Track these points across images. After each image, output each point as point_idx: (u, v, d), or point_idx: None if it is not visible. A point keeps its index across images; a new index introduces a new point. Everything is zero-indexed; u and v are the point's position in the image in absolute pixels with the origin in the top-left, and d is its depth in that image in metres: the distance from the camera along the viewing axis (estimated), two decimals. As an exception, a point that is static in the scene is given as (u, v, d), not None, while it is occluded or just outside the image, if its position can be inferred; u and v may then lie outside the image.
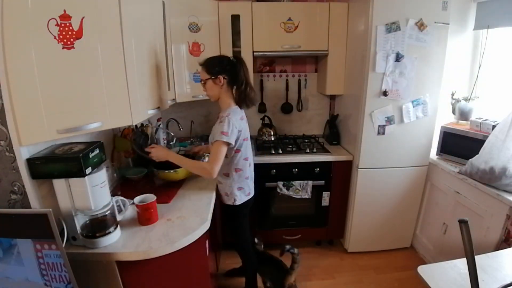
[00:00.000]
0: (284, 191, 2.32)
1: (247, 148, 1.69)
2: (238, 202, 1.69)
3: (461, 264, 1.13)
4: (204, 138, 2.67)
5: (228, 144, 1.51)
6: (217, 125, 1.54)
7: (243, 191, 1.71)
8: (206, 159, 2.12)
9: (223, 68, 1.56)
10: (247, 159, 1.70)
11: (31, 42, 0.97)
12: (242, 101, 1.62)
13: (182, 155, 1.74)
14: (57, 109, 1.07)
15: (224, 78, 1.56)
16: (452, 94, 2.26)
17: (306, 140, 2.66)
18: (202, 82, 1.60)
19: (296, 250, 1.83)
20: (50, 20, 1.01)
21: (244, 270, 2.00)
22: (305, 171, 2.29)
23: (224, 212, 1.81)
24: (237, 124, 1.54)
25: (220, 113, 1.61)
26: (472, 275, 0.84)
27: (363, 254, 2.45)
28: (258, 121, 2.73)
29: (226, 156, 1.60)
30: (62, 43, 1.05)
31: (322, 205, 2.41)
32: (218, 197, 1.79)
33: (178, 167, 1.67)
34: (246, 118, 1.71)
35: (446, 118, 2.27)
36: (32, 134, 1.04)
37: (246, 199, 1.73)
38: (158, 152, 1.60)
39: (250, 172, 1.75)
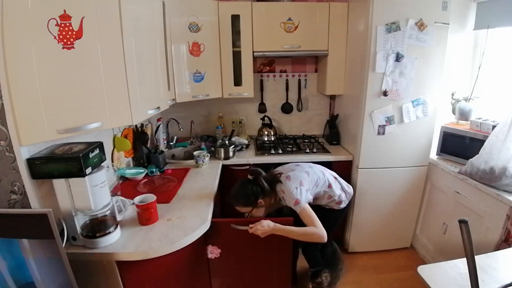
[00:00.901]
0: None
1: (319, 180, 1.75)
2: (349, 199, 1.89)
3: (461, 264, 1.13)
4: (204, 138, 2.68)
5: (306, 203, 1.56)
6: (287, 200, 1.59)
7: (345, 188, 1.88)
8: (206, 159, 2.13)
9: (255, 193, 1.58)
10: (331, 186, 1.79)
11: (31, 42, 0.98)
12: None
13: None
14: (57, 109, 1.07)
15: (262, 199, 1.60)
16: (452, 94, 2.25)
17: (306, 140, 2.66)
18: (247, 215, 1.62)
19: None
20: (50, 20, 1.01)
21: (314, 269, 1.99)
22: (305, 171, 2.29)
23: (329, 218, 1.81)
24: (305, 184, 1.63)
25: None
26: (472, 275, 0.84)
27: (363, 254, 2.45)
28: (258, 121, 2.73)
29: (317, 198, 1.76)
30: (62, 43, 1.05)
31: (322, 205, 2.41)
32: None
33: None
34: (306, 165, 1.81)
35: (446, 118, 2.27)
36: (32, 134, 1.04)
37: (351, 191, 1.93)
38: (260, 231, 1.41)
39: (330, 178, 1.83)
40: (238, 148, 2.39)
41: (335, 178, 1.88)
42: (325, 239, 1.47)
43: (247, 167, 2.25)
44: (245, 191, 1.59)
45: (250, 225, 1.43)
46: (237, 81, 2.40)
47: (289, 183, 1.61)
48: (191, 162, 2.15)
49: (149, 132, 2.26)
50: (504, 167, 1.65)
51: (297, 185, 1.60)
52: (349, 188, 1.90)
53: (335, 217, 1.90)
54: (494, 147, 1.71)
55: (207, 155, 2.16)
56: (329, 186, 1.78)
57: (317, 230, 1.47)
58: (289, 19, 2.26)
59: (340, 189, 1.84)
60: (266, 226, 1.41)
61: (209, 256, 1.51)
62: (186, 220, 1.39)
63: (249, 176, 1.64)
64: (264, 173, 1.66)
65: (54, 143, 1.21)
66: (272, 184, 1.65)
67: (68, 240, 1.16)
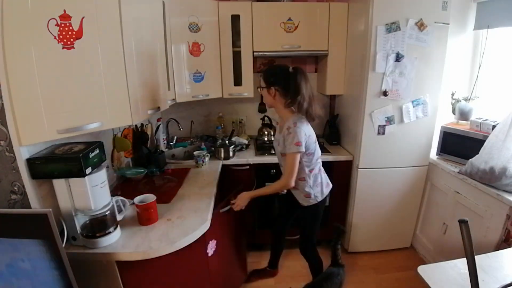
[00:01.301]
0: (284, 191, 2.31)
1: (317, 148, 1.71)
2: (320, 198, 1.73)
3: (461, 264, 1.13)
4: (204, 138, 2.68)
5: (300, 152, 1.55)
6: (287, 137, 1.55)
7: (321, 185, 1.73)
8: (206, 159, 2.13)
9: (277, 79, 1.58)
10: (318, 159, 1.73)
11: (31, 42, 0.98)
12: (302, 114, 1.61)
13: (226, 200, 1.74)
14: (57, 109, 1.07)
15: (276, 90, 1.58)
16: (452, 94, 2.25)
17: (306, 140, 2.65)
18: (259, 89, 1.65)
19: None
20: (50, 20, 1.01)
21: (316, 269, 1.97)
22: (305, 171, 2.29)
23: (304, 215, 1.81)
24: (306, 131, 1.58)
25: (282, 123, 1.66)
26: (472, 275, 0.84)
27: (363, 254, 2.45)
28: (258, 121, 2.73)
29: (300, 162, 1.62)
30: (62, 43, 1.05)
31: (322, 205, 2.41)
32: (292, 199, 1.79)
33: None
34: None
35: (446, 118, 2.27)
36: (32, 134, 1.04)
37: (327, 191, 1.77)
38: (242, 202, 1.67)
39: (320, 167, 1.77)
40: (238, 148, 2.39)
41: (320, 169, 1.77)
42: (291, 186, 1.60)
43: (247, 167, 2.25)
44: (275, 70, 1.65)
45: (232, 201, 1.66)
46: (237, 81, 2.39)
47: (304, 125, 1.58)
48: (191, 162, 2.15)
49: (149, 132, 2.26)
50: (504, 167, 1.65)
51: (305, 134, 1.56)
52: (326, 188, 1.77)
53: (311, 215, 1.79)
54: (494, 147, 1.71)
55: (207, 155, 2.16)
56: (311, 171, 1.69)
57: (286, 180, 1.58)
58: (289, 19, 2.26)
59: (316, 183, 1.72)
60: (245, 197, 1.66)
61: (209, 252, 1.52)
62: (186, 220, 1.39)
63: (290, 69, 1.58)
64: (306, 85, 1.57)
65: (54, 143, 1.21)
66: (294, 98, 1.54)
67: (68, 240, 1.16)
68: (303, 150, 1.55)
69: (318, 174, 1.73)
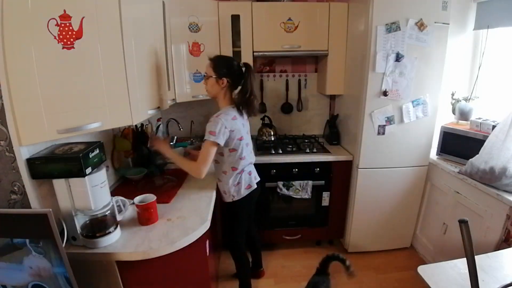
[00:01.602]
0: (284, 191, 2.32)
1: (244, 147, 1.68)
2: (237, 198, 1.71)
3: (461, 264, 1.13)
4: (204, 138, 2.68)
5: (216, 144, 1.52)
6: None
7: (240, 185, 1.71)
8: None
9: (230, 72, 1.59)
10: (244, 158, 1.69)
11: (31, 42, 0.98)
12: (243, 107, 1.65)
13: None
14: (57, 109, 1.07)
15: (228, 81, 1.59)
16: (452, 94, 2.26)
17: (306, 140, 2.66)
18: (205, 76, 1.64)
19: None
20: (50, 20, 1.01)
21: (240, 271, 1.97)
22: (305, 171, 2.29)
23: (226, 211, 1.81)
24: (227, 124, 1.55)
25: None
26: (472, 275, 0.84)
27: (363, 254, 2.45)
28: (258, 121, 2.72)
29: (222, 155, 1.63)
30: (62, 43, 1.05)
31: (322, 205, 2.41)
32: (219, 196, 1.79)
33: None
34: (242, 118, 1.69)
35: (446, 118, 2.27)
36: (32, 134, 1.04)
37: (246, 193, 1.73)
38: (160, 145, 1.64)
39: (248, 168, 1.75)
40: (238, 148, 2.39)
41: (244, 171, 1.73)
42: (201, 176, 1.53)
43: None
44: (229, 62, 1.62)
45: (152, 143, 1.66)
46: (237, 81, 2.39)
47: (229, 119, 1.57)
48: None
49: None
50: (504, 167, 1.65)
51: (226, 127, 1.54)
52: (245, 189, 1.72)
53: (229, 213, 1.78)
54: (494, 147, 1.71)
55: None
56: (233, 169, 1.67)
57: (195, 166, 1.53)
58: (289, 19, 2.26)
59: (235, 182, 1.70)
60: (163, 146, 1.62)
61: (207, 251, 1.51)
62: (186, 220, 1.39)
63: (241, 64, 1.64)
64: (252, 81, 1.63)
65: (54, 143, 1.21)
66: (245, 93, 1.61)
67: (68, 240, 1.16)
68: (217, 141, 1.51)
69: (240, 174, 1.71)
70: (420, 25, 1.93)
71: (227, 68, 1.60)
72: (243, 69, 1.64)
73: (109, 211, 1.23)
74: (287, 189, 2.31)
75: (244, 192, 1.72)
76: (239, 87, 1.65)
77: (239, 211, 1.77)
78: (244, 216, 1.81)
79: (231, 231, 1.84)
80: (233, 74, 1.60)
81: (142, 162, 2.03)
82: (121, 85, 1.29)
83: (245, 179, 1.73)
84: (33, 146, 1.11)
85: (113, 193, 1.47)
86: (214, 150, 1.55)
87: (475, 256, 0.83)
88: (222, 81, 1.59)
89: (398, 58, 1.96)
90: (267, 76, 2.73)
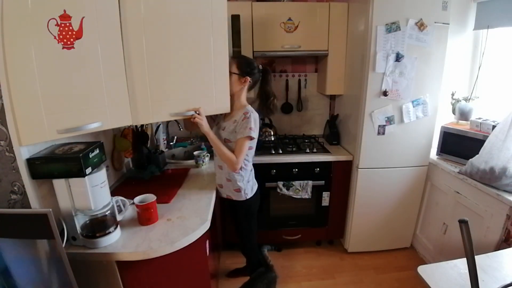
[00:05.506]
0: (284, 191, 2.32)
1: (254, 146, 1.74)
2: (250, 195, 1.74)
3: (461, 264, 1.13)
4: (204, 138, 2.66)
5: (252, 138, 1.58)
6: (242, 122, 1.59)
7: (251, 183, 1.77)
8: (206, 159, 2.13)
9: (253, 72, 1.65)
10: (253, 156, 1.77)
11: (31, 42, 0.98)
12: (263, 109, 1.73)
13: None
14: (57, 109, 1.07)
15: (249, 81, 1.64)
16: (452, 94, 2.26)
17: (306, 140, 2.66)
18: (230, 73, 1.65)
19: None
20: (50, 20, 1.01)
21: (249, 270, 1.97)
22: (305, 171, 2.29)
23: (235, 211, 1.80)
24: (258, 122, 1.62)
25: (233, 112, 1.66)
26: (472, 275, 0.84)
27: (363, 254, 2.45)
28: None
29: None
30: (62, 43, 1.05)
31: (322, 205, 2.41)
32: (219, 197, 1.79)
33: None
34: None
35: (446, 118, 2.27)
36: (32, 134, 1.04)
37: (255, 189, 1.80)
38: (203, 121, 1.54)
39: (251, 166, 1.80)
40: (238, 148, 2.39)
41: (252, 169, 1.79)
42: (236, 169, 1.59)
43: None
44: (252, 63, 1.67)
45: (195, 115, 1.51)
46: (237, 81, 2.39)
47: (255, 114, 1.62)
48: (191, 162, 2.15)
49: (149, 132, 2.26)
50: (504, 167, 1.65)
51: (258, 124, 1.62)
52: (254, 186, 1.79)
53: (241, 212, 1.78)
54: (494, 147, 1.71)
55: (207, 155, 2.16)
56: (247, 166, 1.71)
57: (235, 159, 1.56)
58: (289, 19, 2.26)
59: (248, 179, 1.74)
60: (205, 123, 1.54)
61: (207, 251, 1.51)
62: (186, 220, 1.39)
63: (260, 67, 1.71)
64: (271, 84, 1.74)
65: (54, 143, 1.21)
66: (263, 93, 1.72)
67: (68, 240, 1.16)
68: (256, 136, 1.59)
69: (251, 172, 1.77)
70: (420, 25, 1.93)
71: (250, 67, 1.65)
72: (262, 71, 1.71)
73: (109, 211, 1.22)
74: (287, 189, 2.32)
75: (254, 189, 1.79)
76: (256, 89, 1.75)
77: (253, 208, 1.81)
78: (255, 216, 1.85)
79: (249, 232, 1.84)
80: (255, 75, 1.67)
81: (142, 162, 2.03)
82: (121, 85, 1.29)
83: (253, 179, 1.80)
84: (33, 146, 1.11)
85: (113, 193, 1.47)
86: (248, 145, 1.60)
87: (475, 256, 0.83)
88: (245, 79, 1.62)
89: (398, 58, 1.96)
90: (267, 76, 2.73)
